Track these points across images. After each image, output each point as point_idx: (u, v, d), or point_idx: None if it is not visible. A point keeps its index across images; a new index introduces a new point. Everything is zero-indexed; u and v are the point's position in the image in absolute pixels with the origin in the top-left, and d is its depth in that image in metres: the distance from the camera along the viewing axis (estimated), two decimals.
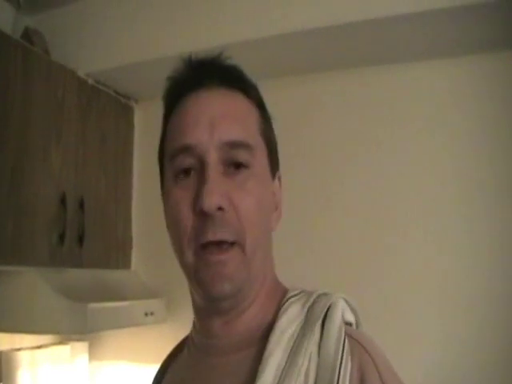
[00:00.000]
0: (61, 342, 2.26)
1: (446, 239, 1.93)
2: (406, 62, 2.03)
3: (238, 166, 0.75)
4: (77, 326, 1.82)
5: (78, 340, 2.33)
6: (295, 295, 0.80)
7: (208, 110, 0.76)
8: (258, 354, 0.73)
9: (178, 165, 0.76)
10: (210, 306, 0.79)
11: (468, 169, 1.94)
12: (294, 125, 2.08)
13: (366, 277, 1.98)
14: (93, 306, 1.85)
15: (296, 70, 2.16)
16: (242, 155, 0.75)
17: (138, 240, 2.47)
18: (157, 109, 2.49)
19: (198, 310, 0.84)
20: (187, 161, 0.75)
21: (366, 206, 2.05)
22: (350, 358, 0.70)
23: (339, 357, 0.69)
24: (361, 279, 1.97)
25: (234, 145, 0.74)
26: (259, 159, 0.78)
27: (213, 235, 0.72)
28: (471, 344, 1.82)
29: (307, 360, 0.70)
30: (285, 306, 0.77)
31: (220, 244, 0.73)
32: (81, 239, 2.05)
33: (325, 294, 0.79)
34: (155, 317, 2.24)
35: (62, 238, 1.95)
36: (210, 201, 0.70)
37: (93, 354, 2.40)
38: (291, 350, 0.72)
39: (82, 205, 2.07)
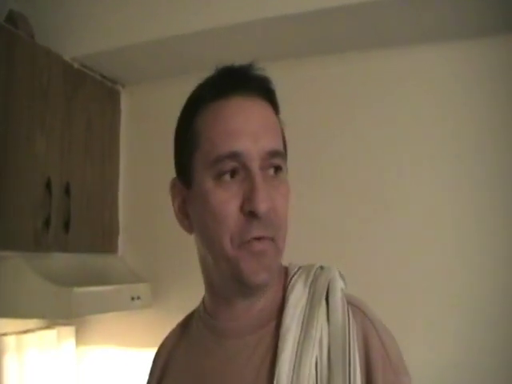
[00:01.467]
0: (47, 327, 2.26)
1: (446, 236, 1.93)
2: (402, 45, 2.03)
3: (276, 170, 0.85)
4: (62, 310, 1.82)
5: (65, 325, 2.34)
6: (296, 272, 0.90)
7: (252, 120, 0.84)
8: (275, 332, 0.84)
9: (222, 168, 0.82)
10: (242, 294, 0.87)
11: (470, 153, 1.93)
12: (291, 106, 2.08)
13: (366, 276, 1.94)
14: (78, 290, 1.86)
15: (286, 54, 2.15)
16: (278, 162, 0.84)
17: (125, 225, 2.47)
18: (143, 93, 2.53)
19: (217, 297, 0.91)
20: (231, 165, 0.81)
21: (365, 194, 2.06)
22: (354, 322, 0.81)
23: (346, 324, 0.80)
24: (360, 279, 1.95)
25: (273, 154, 0.83)
26: (285, 167, 0.88)
27: (257, 232, 0.81)
28: (471, 344, 1.83)
29: (319, 331, 0.81)
30: (291, 285, 0.88)
31: (260, 239, 0.82)
32: (67, 224, 2.05)
33: (321, 268, 0.91)
34: (141, 301, 2.25)
35: (47, 223, 1.94)
36: (264, 206, 0.79)
37: (79, 339, 2.41)
38: (303, 324, 0.82)
39: (67, 190, 2.06)
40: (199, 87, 0.91)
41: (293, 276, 0.90)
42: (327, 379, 0.78)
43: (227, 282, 0.87)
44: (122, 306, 2.16)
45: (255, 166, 0.81)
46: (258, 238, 0.81)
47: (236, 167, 0.81)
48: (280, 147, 0.86)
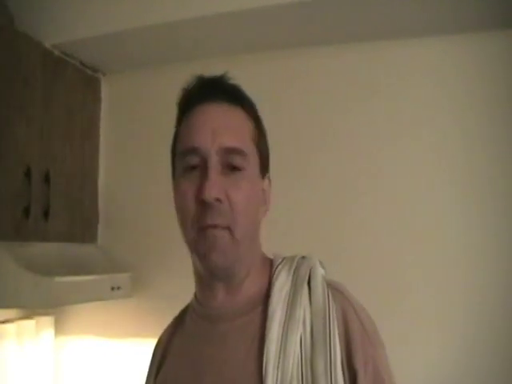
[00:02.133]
0: (26, 317, 2.24)
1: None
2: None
3: (233, 168, 0.92)
4: (42, 299, 1.81)
5: (44, 315, 2.31)
6: (281, 263, 0.99)
7: (211, 121, 0.94)
8: (262, 314, 0.92)
9: (187, 162, 0.93)
10: (211, 276, 0.95)
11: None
12: (275, 98, 2.10)
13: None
14: (58, 279, 1.84)
15: (279, 45, 2.14)
16: (236, 159, 0.92)
17: (105, 214, 2.45)
18: (124, 82, 2.51)
19: (201, 283, 1.00)
20: (194, 159, 0.92)
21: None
22: (333, 302, 0.90)
23: (326, 303, 0.89)
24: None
25: (230, 150, 0.91)
26: (251, 163, 0.95)
27: (211, 220, 0.89)
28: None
29: (302, 311, 0.89)
30: (276, 273, 0.96)
31: (215, 226, 0.90)
32: (46, 213, 2.03)
33: (303, 257, 1.00)
34: (122, 291, 2.24)
35: (26, 211, 1.92)
36: (210, 193, 0.87)
37: (58, 329, 2.39)
38: (287, 306, 0.91)
39: (47, 178, 2.04)
40: (182, 97, 1.02)
41: (278, 265, 0.98)
42: (310, 355, 0.86)
43: (199, 265, 0.96)
44: (102, 295, 2.15)
45: (212, 160, 0.90)
46: (214, 226, 0.89)
47: (196, 162, 0.91)
48: (240, 146, 0.93)
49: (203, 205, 0.89)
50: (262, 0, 1.84)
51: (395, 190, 2.01)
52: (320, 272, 0.96)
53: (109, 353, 2.35)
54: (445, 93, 1.99)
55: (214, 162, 0.90)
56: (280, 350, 0.87)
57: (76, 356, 2.41)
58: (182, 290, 2.19)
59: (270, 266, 1.00)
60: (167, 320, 2.18)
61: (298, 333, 0.88)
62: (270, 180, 1.03)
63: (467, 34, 1.95)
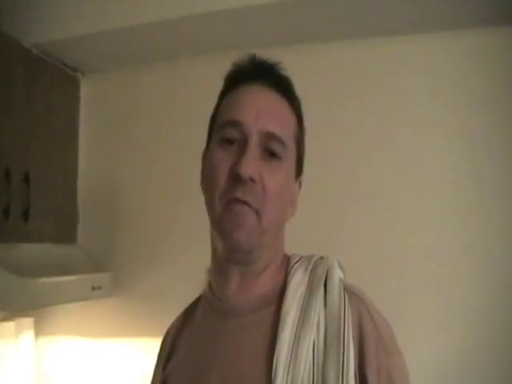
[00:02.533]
0: (5, 318, 2.21)
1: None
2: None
3: (273, 154, 0.90)
4: (24, 301, 1.80)
5: (24, 316, 2.29)
6: (297, 261, 0.97)
7: (258, 101, 0.92)
8: (275, 314, 0.89)
9: (225, 133, 0.91)
10: (229, 257, 0.93)
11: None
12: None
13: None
14: (39, 280, 1.84)
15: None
16: (277, 147, 0.90)
17: (84, 214, 2.44)
18: (103, 82, 2.50)
19: (217, 269, 0.98)
20: (233, 133, 0.90)
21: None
22: (349, 306, 0.87)
23: (342, 307, 0.86)
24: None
25: (272, 136, 0.89)
26: (289, 157, 0.93)
27: (241, 195, 0.86)
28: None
29: (317, 313, 0.87)
30: (292, 272, 0.94)
31: (244, 203, 0.87)
32: (26, 214, 2.01)
33: (321, 258, 0.98)
34: (102, 291, 2.24)
35: (6, 212, 1.91)
36: (246, 169, 0.85)
37: (39, 330, 2.37)
38: (302, 307, 0.88)
39: (27, 178, 2.02)
40: (232, 71, 0.99)
41: (294, 264, 0.96)
42: (322, 361, 0.83)
43: (220, 245, 0.93)
44: (82, 296, 2.15)
45: (253, 138, 0.88)
46: (243, 202, 0.87)
47: (236, 136, 0.89)
48: (282, 134, 0.90)
49: (236, 180, 0.86)
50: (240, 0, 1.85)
51: (396, 191, 2.01)
52: (338, 274, 0.93)
53: (89, 353, 2.34)
54: (443, 90, 1.98)
55: (255, 141, 0.88)
56: (291, 353, 0.84)
57: (57, 357, 2.40)
58: (162, 289, 2.25)
59: (286, 264, 0.98)
60: (147, 319, 2.22)
61: (312, 337, 0.85)
62: (300, 184, 1.01)
63: (465, 30, 1.94)
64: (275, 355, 0.84)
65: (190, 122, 2.27)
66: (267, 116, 0.90)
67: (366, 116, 2.06)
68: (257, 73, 0.95)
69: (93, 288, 2.18)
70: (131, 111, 2.41)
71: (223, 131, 0.91)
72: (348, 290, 0.90)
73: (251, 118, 0.89)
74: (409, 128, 2.01)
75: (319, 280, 0.91)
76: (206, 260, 2.17)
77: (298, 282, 0.92)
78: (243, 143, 0.88)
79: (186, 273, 2.21)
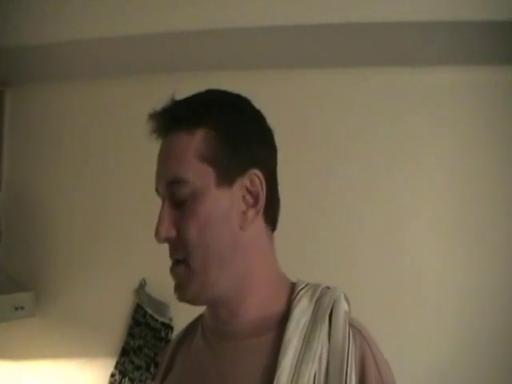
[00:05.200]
0: None
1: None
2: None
3: (179, 198, 0.90)
4: None
5: None
6: (303, 288, 0.94)
7: (160, 158, 0.94)
8: (276, 340, 0.87)
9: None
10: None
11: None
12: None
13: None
14: None
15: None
16: (178, 191, 0.89)
17: (6, 231, 2.37)
18: (29, 94, 2.43)
19: None
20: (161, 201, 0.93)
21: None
22: (353, 344, 0.85)
23: (346, 343, 0.84)
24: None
25: (172, 183, 0.90)
26: (200, 183, 0.89)
27: (170, 256, 0.92)
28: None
29: (320, 346, 0.85)
30: (297, 299, 0.92)
31: (175, 263, 0.91)
32: None
33: (327, 288, 0.95)
34: (25, 311, 2.18)
35: None
36: (159, 234, 0.89)
37: None
38: (305, 337, 0.86)
39: None
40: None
41: (299, 291, 0.93)
42: None
43: None
44: (5, 316, 2.09)
45: (165, 197, 0.91)
46: (174, 262, 0.91)
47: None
48: (177, 175, 0.89)
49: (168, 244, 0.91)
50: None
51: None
52: (343, 307, 0.91)
53: (12, 374, 2.26)
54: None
55: (166, 197, 0.91)
56: (292, 380, 0.82)
57: None
58: (85, 306, 2.20)
59: (289, 287, 0.95)
60: (71, 337, 2.17)
61: (313, 368, 0.83)
62: (258, 176, 0.92)
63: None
64: (275, 382, 0.82)
65: (115, 138, 2.30)
66: (163, 167, 0.93)
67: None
68: (155, 129, 0.95)
69: (16, 308, 2.13)
70: (57, 125, 2.38)
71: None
72: (353, 326, 0.88)
73: (158, 179, 0.93)
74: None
75: (324, 312, 0.89)
76: (128, 280, 2.19)
77: (302, 311, 0.89)
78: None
79: (110, 290, 2.22)
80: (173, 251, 0.91)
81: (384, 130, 2.10)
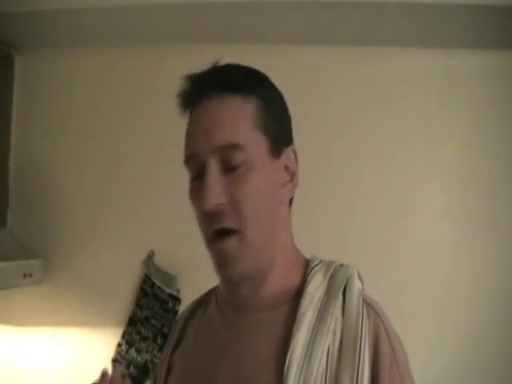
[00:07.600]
0: None
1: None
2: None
3: (233, 163, 0.86)
4: None
5: None
6: (317, 265, 0.95)
7: (205, 120, 0.89)
8: (290, 314, 0.88)
9: (190, 170, 0.91)
10: (229, 283, 0.95)
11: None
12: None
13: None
14: None
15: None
16: (234, 156, 0.86)
17: (15, 197, 2.35)
18: (38, 60, 2.41)
19: (222, 282, 0.98)
20: (194, 166, 0.89)
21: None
22: (367, 319, 0.85)
23: (360, 319, 0.85)
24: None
25: (226, 148, 0.86)
26: (254, 152, 0.88)
27: (217, 225, 0.86)
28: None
29: (333, 321, 0.85)
30: (311, 274, 0.92)
31: (221, 233, 0.86)
32: None
33: (341, 265, 0.95)
34: (33, 278, 2.18)
35: None
36: (208, 201, 0.84)
37: None
38: (319, 312, 0.87)
39: None
40: (180, 99, 0.95)
41: (314, 267, 0.94)
42: (336, 369, 0.82)
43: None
44: (14, 283, 2.09)
45: (210, 162, 0.86)
46: (219, 232, 0.86)
47: (197, 168, 0.88)
48: (235, 140, 0.87)
49: (208, 213, 0.86)
50: None
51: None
52: (357, 284, 0.91)
53: (20, 340, 2.27)
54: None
55: (213, 164, 0.86)
56: (305, 355, 0.83)
57: None
58: (94, 276, 2.20)
59: (304, 266, 0.95)
60: (79, 306, 2.17)
61: (327, 342, 0.84)
62: (294, 152, 0.95)
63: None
64: (289, 354, 0.83)
65: (124, 106, 2.27)
66: (214, 130, 0.87)
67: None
68: (195, 92, 0.92)
69: (24, 275, 2.12)
70: (67, 92, 2.35)
71: (188, 167, 0.91)
72: (366, 302, 0.88)
73: (202, 143, 0.87)
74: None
75: (338, 287, 0.89)
76: (137, 251, 2.18)
77: (316, 286, 0.90)
78: (204, 172, 0.87)
79: (119, 260, 2.21)
80: (219, 220, 0.86)
81: (398, 112, 2.08)
